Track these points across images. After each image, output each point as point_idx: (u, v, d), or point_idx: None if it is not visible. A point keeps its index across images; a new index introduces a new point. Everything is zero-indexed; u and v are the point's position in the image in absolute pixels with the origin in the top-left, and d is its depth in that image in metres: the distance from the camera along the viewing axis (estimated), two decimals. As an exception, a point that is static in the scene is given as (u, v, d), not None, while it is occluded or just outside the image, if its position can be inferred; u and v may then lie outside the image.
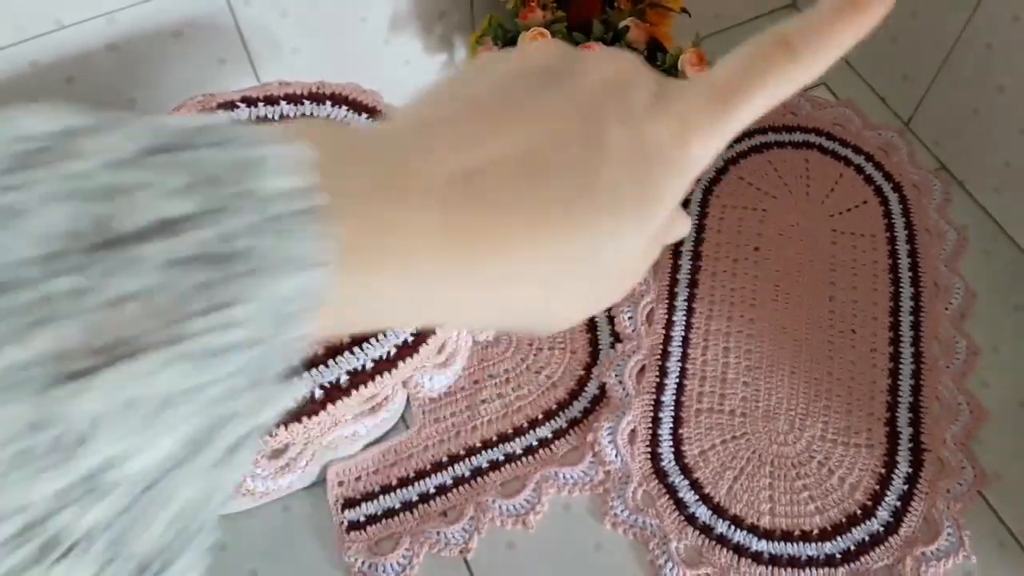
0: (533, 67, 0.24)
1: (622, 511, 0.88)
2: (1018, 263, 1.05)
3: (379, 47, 0.98)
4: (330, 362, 0.59)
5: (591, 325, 1.00)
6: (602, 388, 0.95)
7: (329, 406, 0.58)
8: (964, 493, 0.88)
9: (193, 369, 0.19)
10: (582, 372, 0.97)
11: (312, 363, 0.59)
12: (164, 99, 0.86)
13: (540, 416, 0.94)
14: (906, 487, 0.88)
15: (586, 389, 0.96)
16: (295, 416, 0.57)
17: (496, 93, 0.23)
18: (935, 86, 1.10)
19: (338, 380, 0.59)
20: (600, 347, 0.98)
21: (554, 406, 0.94)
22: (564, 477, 0.90)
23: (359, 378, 0.59)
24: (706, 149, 0.24)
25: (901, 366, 0.96)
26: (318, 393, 0.58)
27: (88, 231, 0.18)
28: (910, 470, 0.89)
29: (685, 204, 1.08)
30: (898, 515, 0.87)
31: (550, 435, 0.92)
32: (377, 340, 0.60)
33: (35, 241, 0.17)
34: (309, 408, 0.57)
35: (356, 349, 0.60)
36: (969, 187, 1.10)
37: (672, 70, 0.86)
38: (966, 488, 0.88)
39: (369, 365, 0.59)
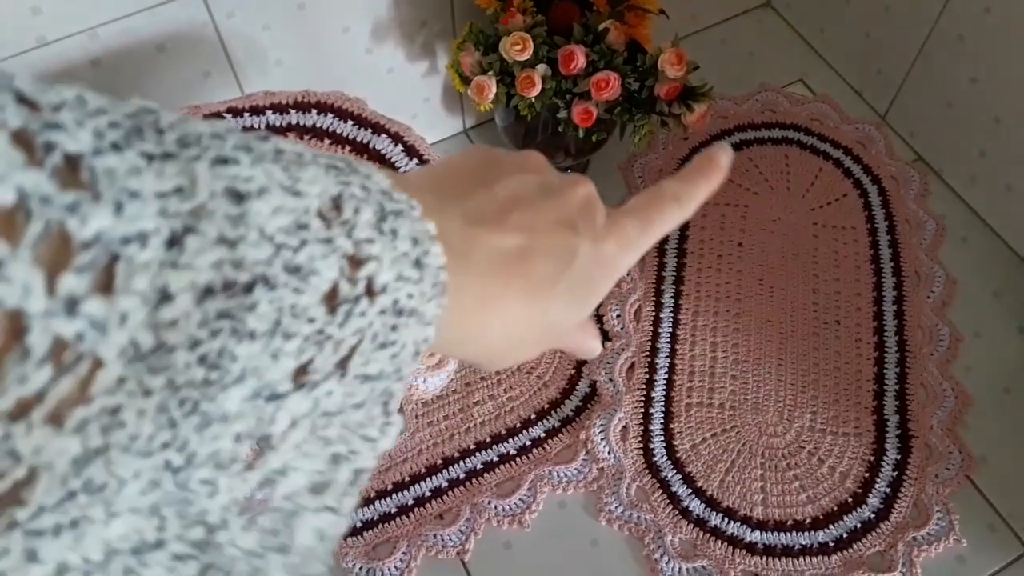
0: (533, 186, 0.33)
1: (616, 507, 0.89)
2: (996, 250, 1.07)
3: (361, 57, 0.99)
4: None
5: (580, 325, 1.00)
6: (593, 386, 0.96)
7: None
8: (952, 478, 0.90)
9: (352, 389, 0.25)
10: (572, 371, 0.98)
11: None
12: (149, 113, 0.87)
13: (533, 416, 0.94)
14: (895, 474, 0.90)
15: (577, 388, 0.96)
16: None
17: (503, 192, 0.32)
18: (909, 79, 1.12)
19: (333, 383, 0.59)
20: (589, 346, 0.99)
21: (546, 406, 0.95)
22: (558, 476, 0.90)
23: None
24: (632, 260, 0.34)
25: (886, 355, 0.98)
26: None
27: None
28: (898, 457, 0.91)
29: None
30: (888, 501, 0.88)
31: (543, 434, 0.93)
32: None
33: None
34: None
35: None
36: (946, 177, 1.12)
37: (652, 70, 0.87)
38: (954, 473, 0.90)
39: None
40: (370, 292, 0.24)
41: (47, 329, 0.17)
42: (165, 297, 0.19)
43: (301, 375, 0.22)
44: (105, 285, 0.18)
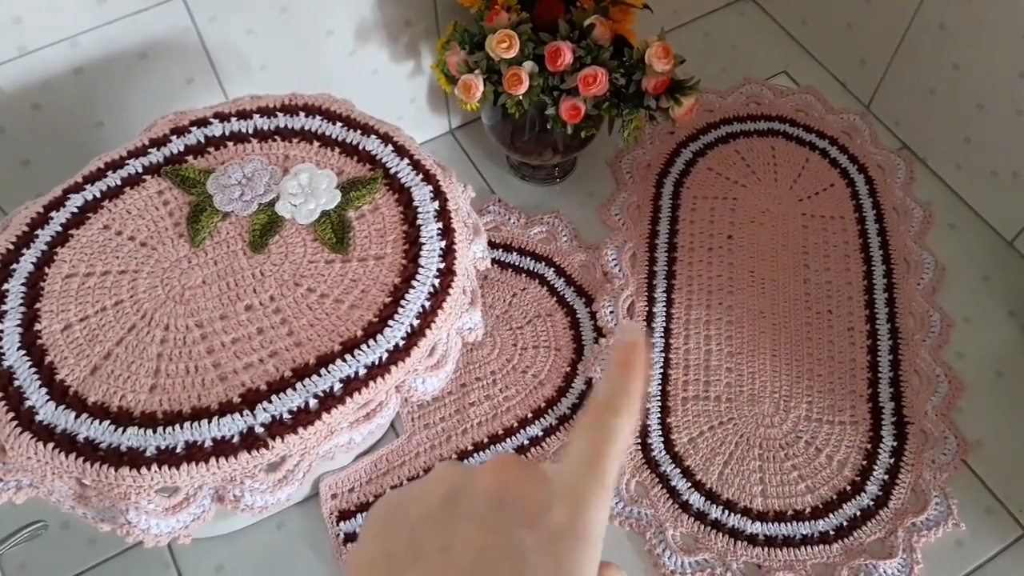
0: (436, 502, 0.28)
1: (617, 503, 0.88)
2: (983, 234, 1.07)
3: (346, 59, 0.98)
4: (322, 371, 0.59)
5: (573, 322, 1.00)
6: (589, 383, 0.96)
7: (324, 415, 0.57)
8: (949, 463, 0.90)
9: None
10: (568, 369, 0.97)
11: (304, 373, 0.59)
12: (132, 121, 0.85)
13: (529, 415, 0.94)
14: (892, 460, 0.90)
15: (573, 385, 0.96)
16: (290, 428, 0.57)
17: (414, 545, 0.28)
18: (892, 68, 1.12)
19: (331, 389, 0.58)
20: (584, 343, 0.99)
21: (543, 404, 0.95)
22: (557, 474, 0.90)
23: (352, 385, 0.59)
24: (600, 512, 0.27)
25: (879, 343, 0.98)
26: (312, 403, 0.58)
27: None
28: (895, 443, 0.91)
29: (656, 199, 1.10)
30: (887, 488, 0.88)
31: (540, 433, 0.93)
32: (368, 346, 0.60)
33: None
34: (304, 419, 0.57)
35: (348, 356, 0.60)
36: (931, 164, 1.13)
37: (639, 65, 0.87)
38: (950, 458, 0.90)
39: (362, 372, 0.59)
40: None
41: None
42: None
43: None
44: None
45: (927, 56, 1.06)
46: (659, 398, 0.95)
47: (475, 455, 0.91)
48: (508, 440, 0.92)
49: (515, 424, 0.94)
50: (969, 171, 1.08)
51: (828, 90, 1.21)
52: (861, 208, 1.09)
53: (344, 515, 0.87)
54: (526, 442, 0.92)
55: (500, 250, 1.06)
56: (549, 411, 0.94)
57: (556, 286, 1.03)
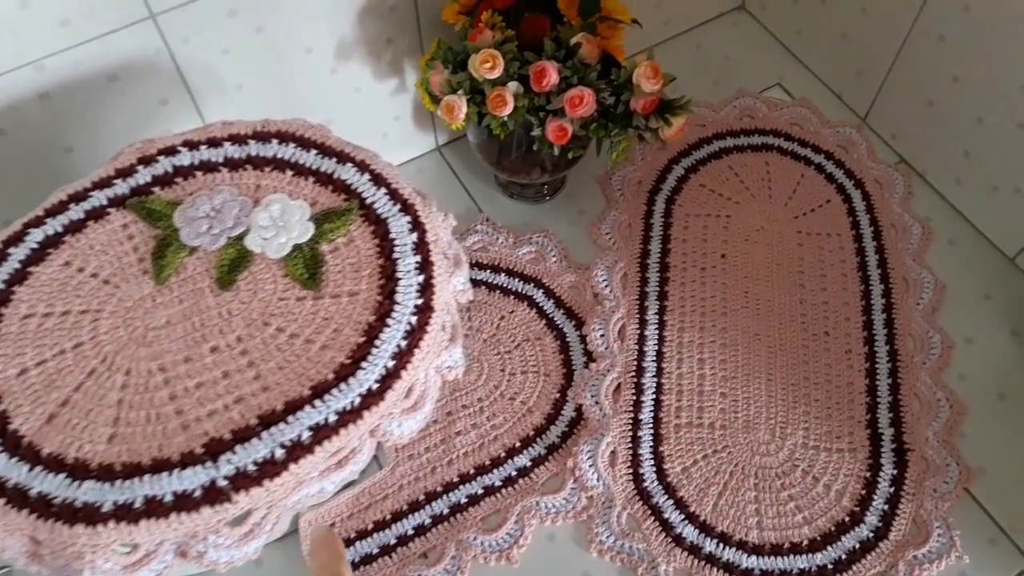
0: None
1: (608, 537, 0.85)
2: (984, 251, 1.04)
3: (327, 77, 0.95)
4: (290, 418, 0.56)
5: (563, 346, 0.97)
6: (579, 410, 0.93)
7: (292, 465, 0.54)
8: (951, 491, 0.87)
9: None
10: (557, 395, 0.94)
11: (271, 421, 0.56)
12: (103, 146, 0.83)
13: (517, 444, 0.91)
14: (892, 489, 0.87)
15: (563, 412, 0.93)
16: (256, 480, 0.54)
17: None
18: (890, 80, 1.09)
19: (300, 437, 0.55)
20: (574, 367, 0.96)
21: (531, 432, 0.92)
22: (546, 506, 0.87)
23: (322, 433, 0.56)
24: None
25: (877, 365, 0.95)
26: (279, 453, 0.55)
27: None
28: (895, 472, 0.88)
29: (648, 217, 1.07)
30: (887, 519, 0.86)
31: (529, 463, 0.90)
32: (340, 390, 0.57)
33: None
34: (270, 470, 0.54)
35: (318, 402, 0.57)
36: (930, 179, 1.10)
37: (627, 84, 0.84)
38: (952, 486, 0.87)
39: (332, 418, 0.56)
40: None
41: None
42: None
43: None
44: None
45: (926, 67, 1.03)
46: (651, 425, 0.92)
47: (461, 487, 0.88)
48: (496, 471, 0.89)
49: (503, 454, 0.91)
50: (969, 186, 1.05)
51: (824, 102, 1.18)
52: (858, 225, 1.06)
53: (325, 552, 0.84)
54: (514, 473, 0.89)
55: (488, 271, 1.03)
56: (538, 440, 0.91)
57: (545, 308, 1.00)
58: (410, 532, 0.85)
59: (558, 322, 0.99)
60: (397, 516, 0.86)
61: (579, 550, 0.85)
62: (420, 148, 1.13)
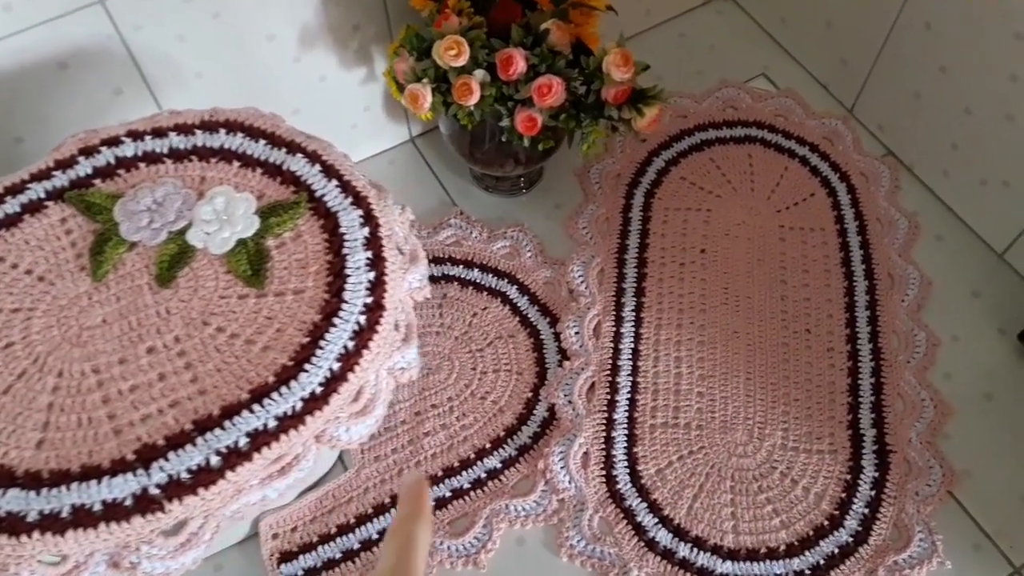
0: None
1: (579, 541, 0.83)
2: (972, 247, 1.01)
3: (290, 65, 0.92)
4: (226, 423, 0.53)
5: (537, 344, 0.94)
6: (551, 410, 0.90)
7: (228, 473, 0.52)
8: (934, 494, 0.84)
9: None
10: (530, 394, 0.91)
11: (206, 426, 0.53)
12: (55, 135, 0.79)
13: (488, 445, 0.88)
14: (873, 492, 0.84)
15: (535, 412, 0.90)
16: (190, 488, 0.51)
17: None
18: (876, 70, 1.06)
19: (236, 443, 0.53)
20: (547, 366, 0.93)
21: (502, 433, 0.89)
22: (516, 510, 0.84)
23: (261, 439, 0.53)
24: None
25: (860, 364, 0.92)
26: (214, 460, 0.52)
27: None
28: (876, 474, 0.85)
29: (626, 211, 1.04)
30: (867, 523, 0.83)
31: (499, 465, 0.87)
32: (280, 395, 0.54)
33: None
34: (206, 478, 0.51)
35: (256, 406, 0.54)
36: (917, 172, 1.07)
37: (597, 72, 0.81)
38: (935, 489, 0.85)
39: (272, 424, 0.53)
40: None
41: None
42: None
43: None
44: None
45: (913, 57, 1.00)
46: (626, 425, 0.89)
47: (429, 489, 0.85)
48: (464, 473, 0.86)
49: (472, 455, 0.88)
50: (957, 179, 1.02)
51: (809, 93, 1.15)
52: (843, 219, 1.03)
53: (286, 556, 0.81)
54: (483, 475, 0.87)
55: (461, 266, 1.00)
56: (509, 440, 0.89)
57: (519, 305, 0.97)
58: (374, 537, 0.83)
59: (532, 319, 0.96)
60: (361, 520, 0.84)
61: (549, 555, 0.82)
62: (393, 139, 1.10)
